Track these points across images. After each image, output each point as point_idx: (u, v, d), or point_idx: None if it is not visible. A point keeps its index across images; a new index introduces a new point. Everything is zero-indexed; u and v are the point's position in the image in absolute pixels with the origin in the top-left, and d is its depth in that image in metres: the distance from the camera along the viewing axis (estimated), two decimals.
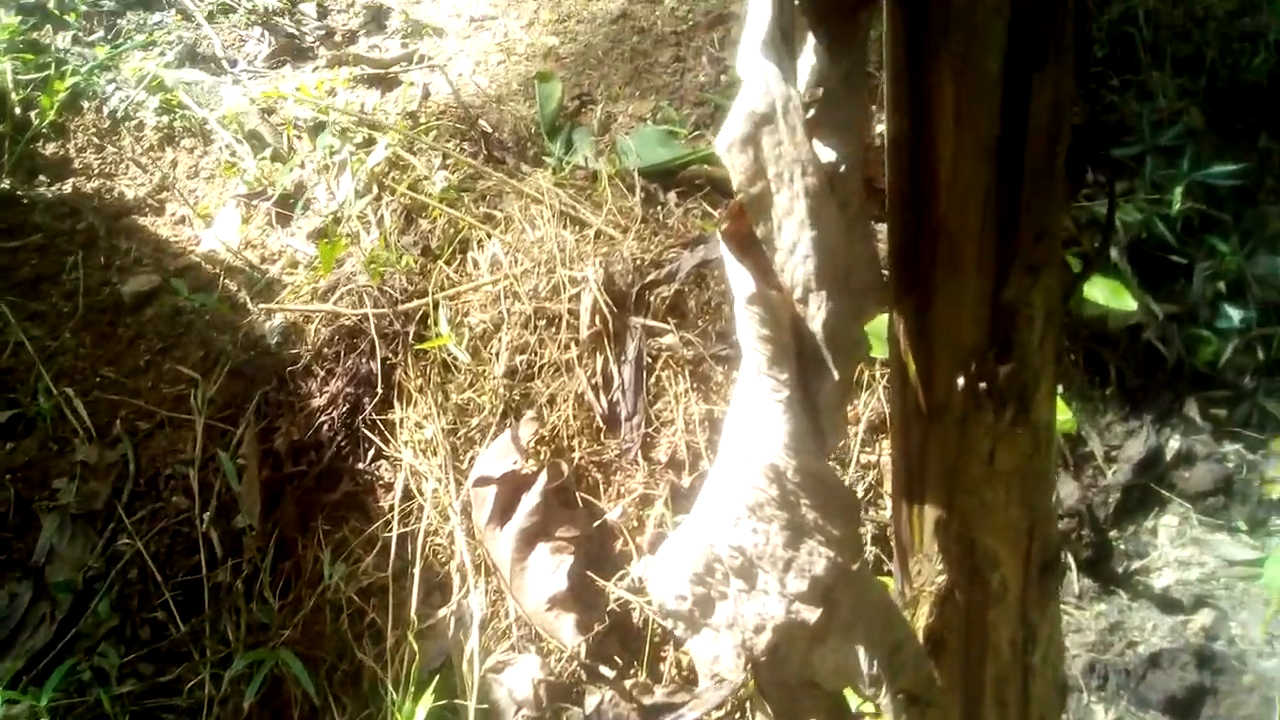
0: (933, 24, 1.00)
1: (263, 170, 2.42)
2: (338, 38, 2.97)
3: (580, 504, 1.93)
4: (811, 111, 1.10)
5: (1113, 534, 2.40)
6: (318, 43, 2.92)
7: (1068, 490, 2.33)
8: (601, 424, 1.98)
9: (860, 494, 2.15)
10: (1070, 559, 2.29)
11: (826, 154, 1.10)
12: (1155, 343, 2.53)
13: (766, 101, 0.99)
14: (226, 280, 2.21)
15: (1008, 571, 1.35)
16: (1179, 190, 2.60)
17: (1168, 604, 2.21)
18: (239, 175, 2.42)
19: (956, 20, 0.99)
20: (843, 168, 1.10)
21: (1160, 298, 2.67)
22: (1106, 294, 2.24)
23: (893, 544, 1.42)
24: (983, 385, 1.23)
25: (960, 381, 1.21)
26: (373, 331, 1.90)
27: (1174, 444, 2.42)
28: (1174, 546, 2.35)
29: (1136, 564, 2.32)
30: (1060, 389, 2.46)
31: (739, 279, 1.10)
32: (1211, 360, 2.56)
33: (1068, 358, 2.52)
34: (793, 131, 1.00)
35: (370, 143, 2.45)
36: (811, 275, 1.08)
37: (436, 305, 1.97)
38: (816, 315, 1.10)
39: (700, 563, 1.23)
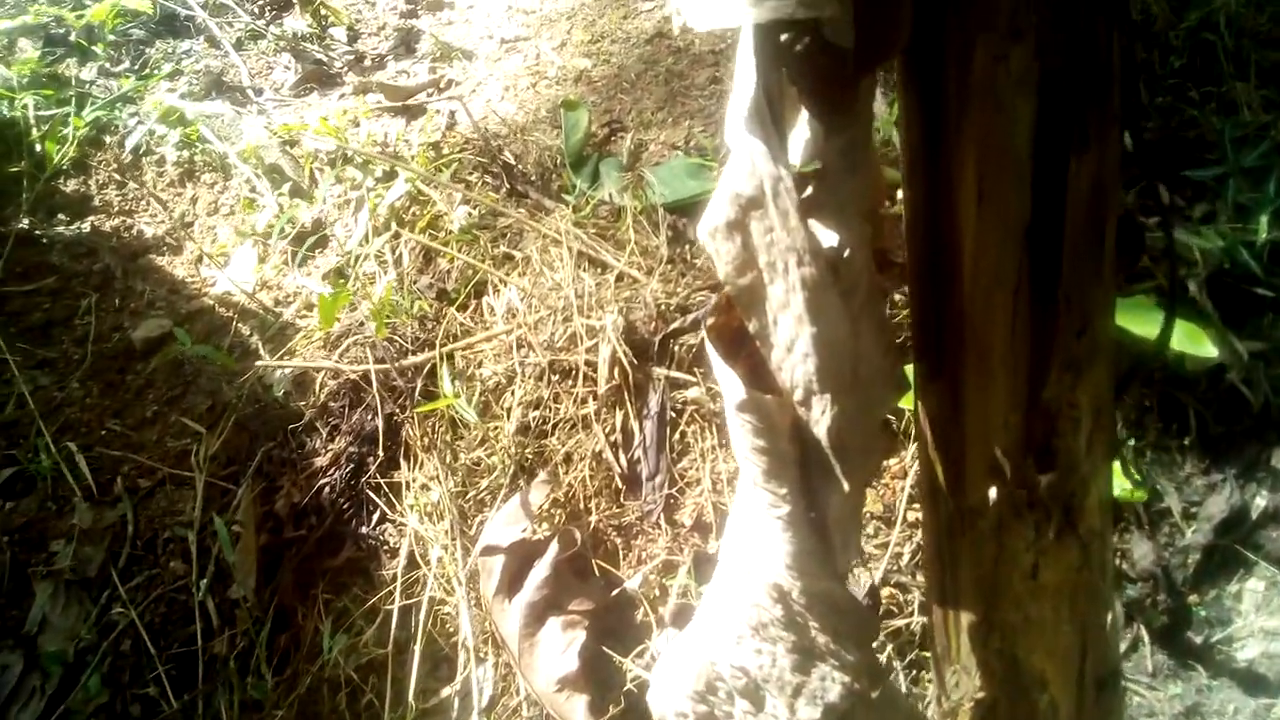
0: (949, 97, 0.85)
1: (281, 207, 2.34)
2: (367, 62, 2.89)
3: (596, 572, 1.80)
4: (809, 190, 0.95)
5: (1191, 599, 2.19)
6: (346, 68, 2.83)
7: (1141, 551, 2.13)
8: (621, 484, 1.85)
9: (907, 557, 1.98)
10: (1143, 630, 2.09)
11: (827, 237, 0.95)
12: (1239, 385, 2.30)
13: (753, 183, 0.85)
14: (239, 325, 2.13)
15: (1057, 692, 1.18)
16: (1264, 218, 2.36)
17: (1252, 682, 2.00)
18: (257, 212, 2.34)
19: (976, 94, 0.83)
20: (846, 252, 0.95)
21: (1245, 335, 2.44)
22: (1183, 338, 2.03)
23: (932, 639, 1.27)
24: (1021, 492, 1.07)
25: (993, 491, 1.05)
26: (374, 389, 1.80)
27: (1260, 500, 2.19)
28: (1260, 615, 2.13)
29: (1218, 634, 2.10)
30: (1131, 442, 2.26)
31: (728, 383, 0.95)
32: None
33: (1141, 403, 2.31)
34: (785, 216, 0.85)
35: (392, 175, 2.35)
36: (813, 376, 0.93)
37: (446, 359, 1.85)
38: (820, 420, 0.95)
39: (701, 680, 1.10)
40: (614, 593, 1.81)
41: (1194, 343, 2.03)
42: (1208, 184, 2.60)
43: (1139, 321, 2.08)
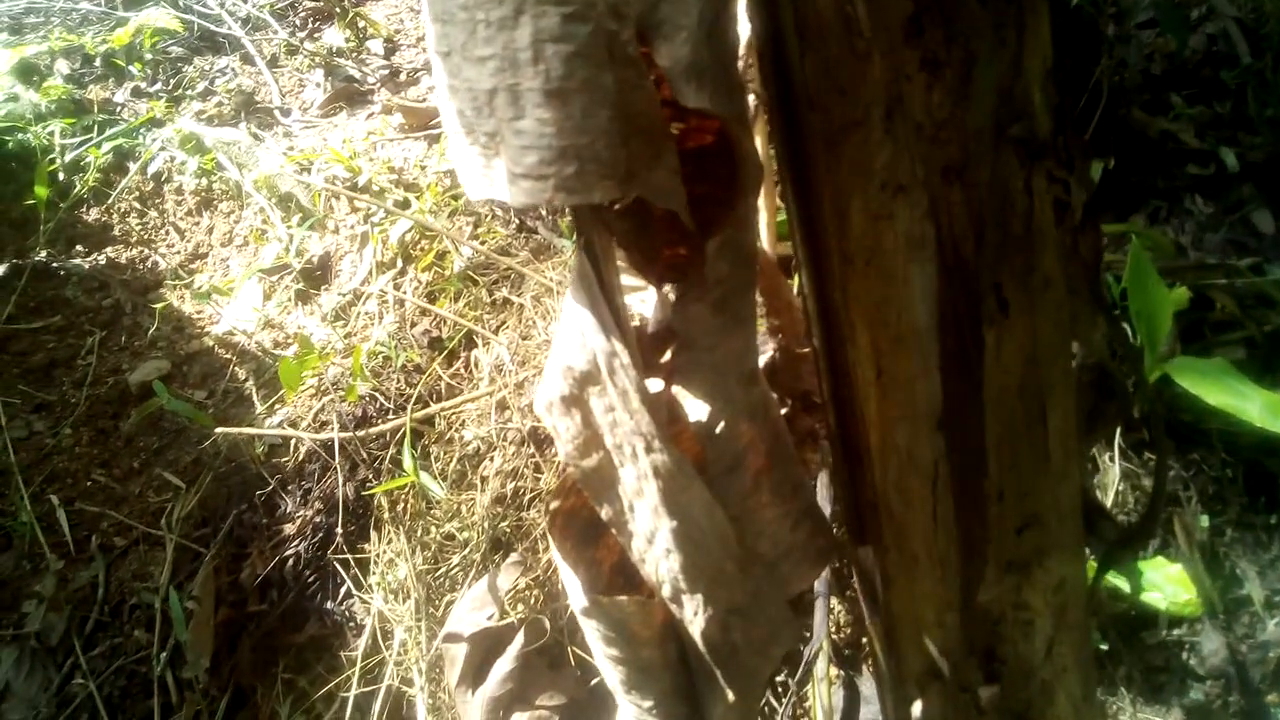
0: (832, 258, 0.67)
1: (291, 238, 2.26)
2: (401, 77, 2.78)
3: (572, 661, 1.67)
4: (668, 355, 0.78)
5: (1270, 699, 1.91)
6: (379, 84, 2.74)
7: (1212, 645, 1.86)
8: None
9: None
10: None
11: (697, 408, 0.78)
12: None
13: (586, 356, 0.68)
14: (237, 367, 2.06)
15: None
16: None
17: None
18: (267, 244, 2.27)
19: (859, 259, 0.65)
20: (720, 425, 0.77)
21: None
22: (1265, 411, 1.74)
23: None
24: (966, 696, 0.88)
25: (916, 708, 0.86)
26: (337, 462, 1.69)
27: None
28: None
29: None
30: (1205, 521, 1.98)
31: (571, 584, 0.80)
32: None
33: (1223, 472, 2.03)
34: (625, 397, 0.68)
35: (406, 205, 2.25)
36: (679, 574, 0.76)
37: (427, 421, 1.73)
38: (695, 621, 0.78)
39: None
40: (592, 683, 1.68)
41: (1278, 417, 1.74)
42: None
43: (1213, 388, 1.81)
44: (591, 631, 0.78)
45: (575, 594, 0.77)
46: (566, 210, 2.10)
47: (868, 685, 1.68)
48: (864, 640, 1.73)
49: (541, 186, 0.53)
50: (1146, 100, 2.51)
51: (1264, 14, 2.54)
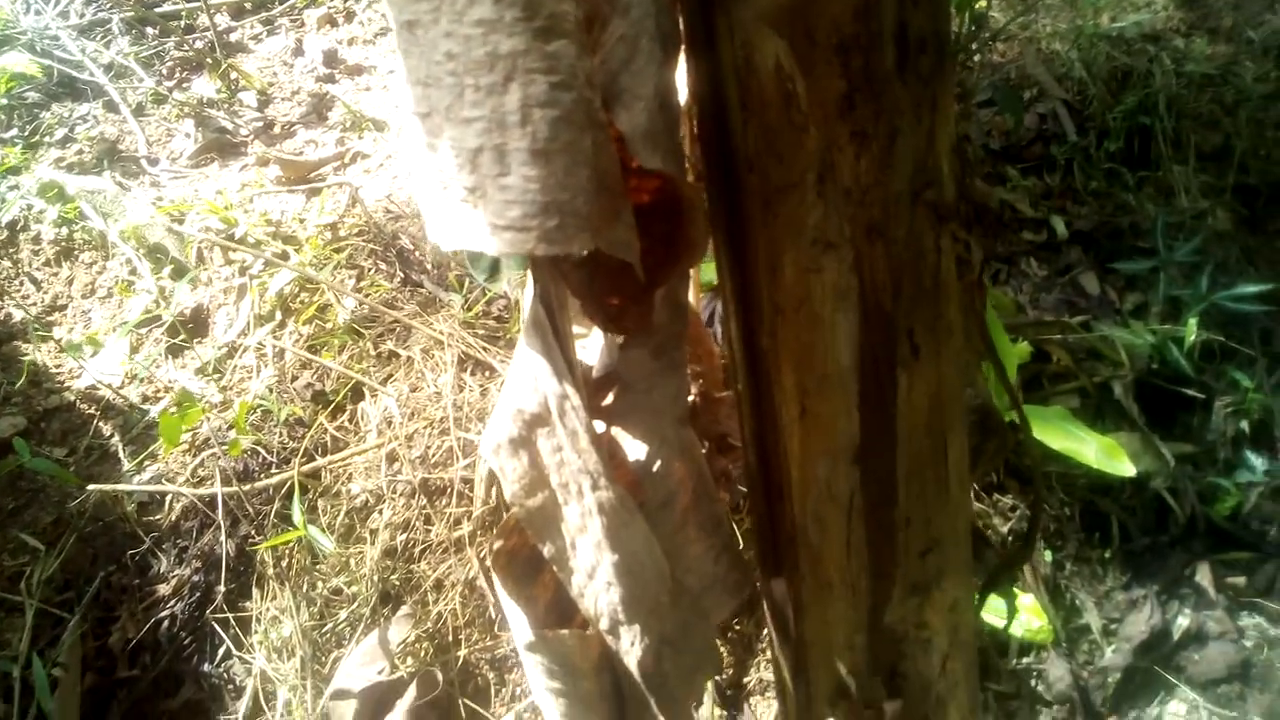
0: (763, 305, 0.73)
1: (162, 291, 2.19)
2: (276, 130, 2.76)
3: (464, 713, 1.66)
4: (610, 397, 0.83)
5: None
6: (252, 136, 2.70)
7: (1058, 672, 2.01)
8: (495, 614, 1.71)
9: None
10: None
11: (635, 448, 0.83)
12: (1164, 494, 2.21)
13: (537, 399, 0.73)
14: (101, 423, 1.97)
15: None
16: (1193, 319, 2.28)
17: None
18: (134, 296, 2.20)
19: (789, 307, 0.72)
20: (657, 464, 0.82)
21: (1173, 437, 2.35)
22: (1099, 454, 1.93)
23: None
24: (870, 712, 0.94)
25: None
26: (220, 516, 1.65)
27: (1183, 620, 2.09)
28: None
29: None
30: (1048, 556, 2.15)
31: (515, 620, 0.83)
32: (1231, 514, 2.23)
33: (1061, 510, 2.21)
34: (574, 437, 0.73)
35: (284, 257, 2.22)
36: (618, 606, 0.80)
37: (313, 475, 1.71)
38: (630, 651, 0.82)
39: None
40: None
41: (1111, 459, 1.93)
42: (1141, 275, 2.53)
43: (1054, 434, 1.98)
44: (534, 666, 0.81)
45: (520, 629, 0.80)
46: (460, 264, 2.13)
47: None
48: (745, 681, 1.79)
49: (525, 238, 0.58)
50: (987, 172, 2.75)
51: (1088, 97, 2.83)
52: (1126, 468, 1.91)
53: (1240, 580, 2.17)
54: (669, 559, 0.82)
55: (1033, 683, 2.03)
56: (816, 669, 0.92)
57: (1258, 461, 2.24)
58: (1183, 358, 2.32)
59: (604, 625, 0.81)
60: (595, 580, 0.80)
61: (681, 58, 0.74)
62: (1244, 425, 2.32)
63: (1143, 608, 2.11)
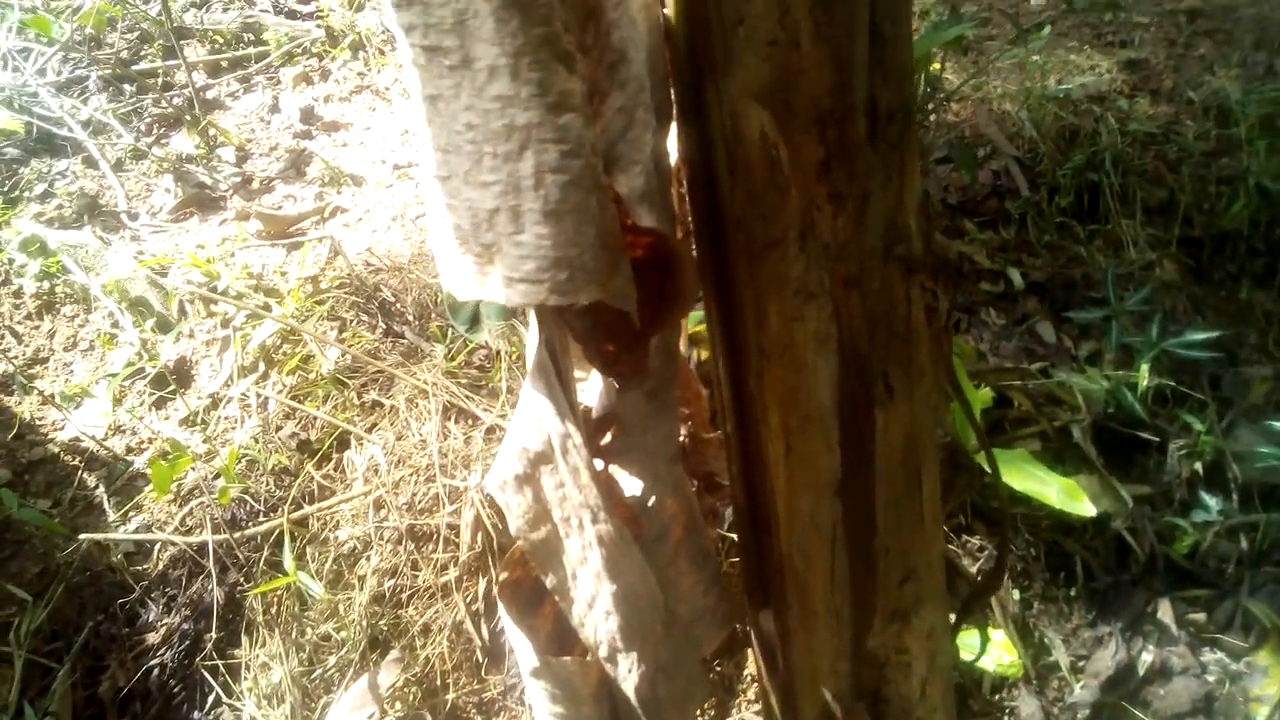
0: (749, 351, 0.80)
1: (144, 344, 2.22)
2: (254, 185, 2.81)
3: None
4: (608, 437, 0.89)
5: None
6: (231, 190, 2.75)
7: (1029, 709, 2.06)
8: (482, 657, 1.74)
9: None
10: None
11: (631, 485, 0.89)
12: (1125, 534, 2.29)
13: (541, 438, 0.78)
14: (85, 474, 1.99)
15: None
16: (1145, 365, 2.39)
17: None
18: (117, 348, 2.23)
19: (775, 352, 0.78)
20: (651, 500, 0.88)
21: (1131, 479, 2.44)
22: (1061, 495, 2.00)
23: None
24: None
25: None
26: (210, 563, 1.68)
27: (1147, 656, 2.16)
28: None
29: None
30: (1016, 595, 2.22)
31: (521, 648, 0.87)
32: (1189, 553, 2.31)
33: (1027, 550, 2.29)
34: (575, 473, 0.78)
35: (267, 309, 2.26)
36: (616, 634, 0.85)
37: (300, 523, 1.74)
38: (628, 678, 0.87)
39: None
40: None
41: (1072, 499, 2.00)
42: (1094, 324, 2.64)
43: (1017, 475, 2.05)
44: (538, 692, 0.86)
45: (525, 656, 0.85)
46: (441, 315, 2.18)
47: None
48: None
49: (537, 289, 0.64)
50: (946, 226, 2.86)
51: (1039, 154, 2.96)
52: (1087, 508, 1.98)
53: (1200, 616, 2.24)
54: (663, 590, 0.87)
55: (1005, 719, 2.08)
56: (804, 695, 0.97)
57: (1213, 502, 2.33)
58: (1137, 402, 2.42)
59: (603, 653, 0.86)
60: (595, 610, 0.85)
61: (673, 124, 0.81)
62: (1198, 467, 2.41)
63: (1108, 644, 2.17)
